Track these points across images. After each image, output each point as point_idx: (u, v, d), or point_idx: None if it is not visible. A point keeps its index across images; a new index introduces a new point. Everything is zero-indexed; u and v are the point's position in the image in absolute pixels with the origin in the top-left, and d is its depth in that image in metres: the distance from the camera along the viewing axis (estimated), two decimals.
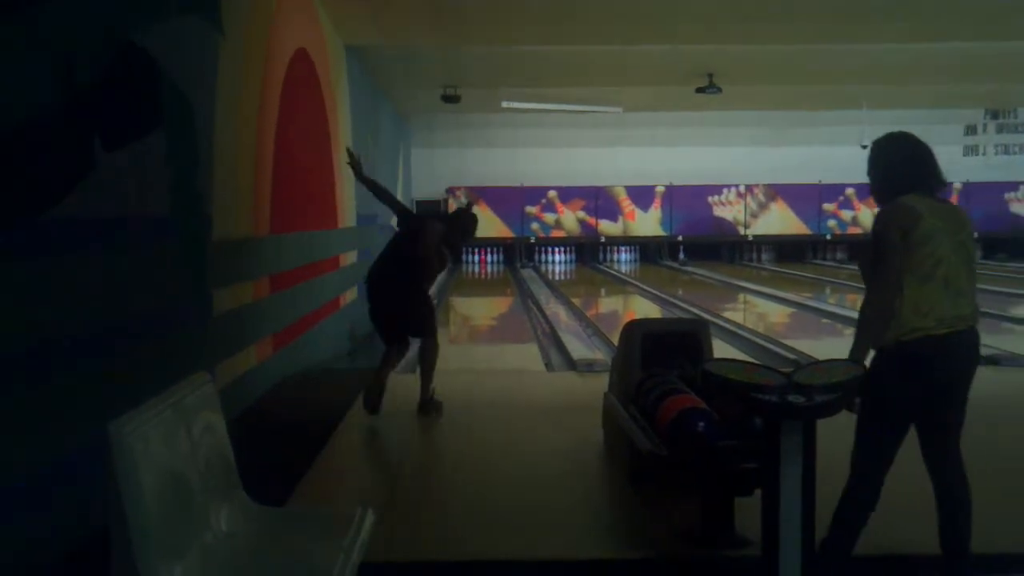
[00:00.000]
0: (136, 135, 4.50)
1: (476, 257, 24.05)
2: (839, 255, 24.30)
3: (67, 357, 3.72)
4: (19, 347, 3.38)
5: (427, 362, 6.30)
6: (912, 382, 3.31)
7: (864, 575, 3.61)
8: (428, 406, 6.29)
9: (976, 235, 3.85)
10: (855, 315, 3.85)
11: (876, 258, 3.36)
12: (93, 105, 3.99)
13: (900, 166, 3.50)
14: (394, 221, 6.63)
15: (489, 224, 23.52)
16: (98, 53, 4.09)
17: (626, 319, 6.29)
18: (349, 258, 11.29)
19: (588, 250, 24.09)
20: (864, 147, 4.50)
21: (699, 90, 14.38)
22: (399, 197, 7.57)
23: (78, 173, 3.85)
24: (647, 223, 24.16)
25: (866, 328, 3.36)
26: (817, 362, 3.45)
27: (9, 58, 3.36)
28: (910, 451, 3.44)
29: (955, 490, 3.45)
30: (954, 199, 24.17)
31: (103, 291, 4.07)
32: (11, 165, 3.37)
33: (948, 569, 3.44)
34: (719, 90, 14.28)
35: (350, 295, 11.21)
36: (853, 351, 3.35)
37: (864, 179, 3.65)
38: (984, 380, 7.44)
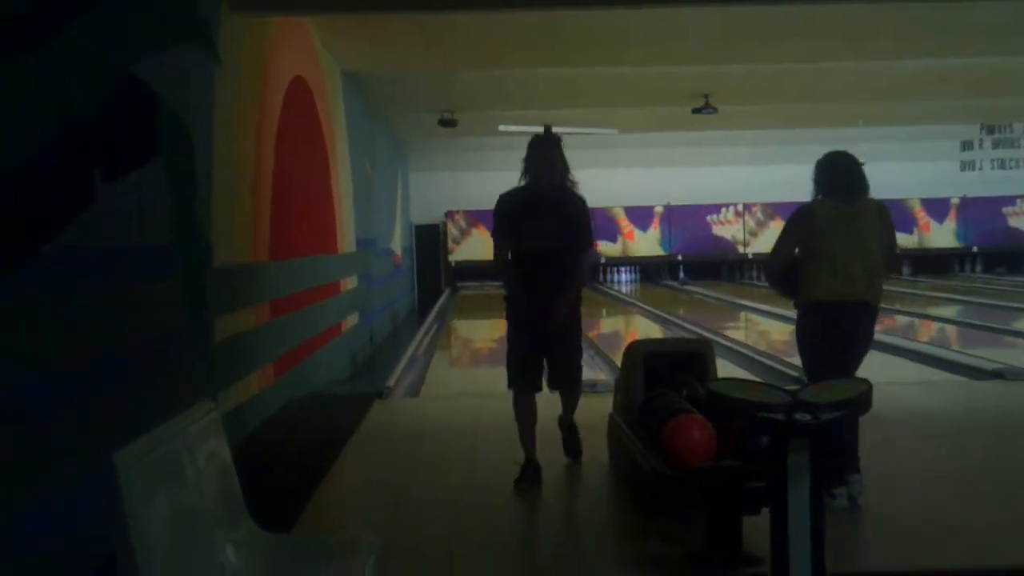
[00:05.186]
0: (135, 165, 4.50)
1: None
2: None
3: (69, 388, 3.72)
4: (20, 379, 3.37)
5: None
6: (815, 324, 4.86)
7: None
8: None
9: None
10: None
11: (779, 238, 4.86)
12: (92, 136, 3.99)
13: (821, 176, 4.78)
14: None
15: (489, 247, 23.52)
16: (96, 84, 4.10)
17: (628, 339, 6.28)
18: (350, 283, 11.28)
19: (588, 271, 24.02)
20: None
21: (695, 110, 14.42)
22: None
23: (78, 204, 3.86)
24: (646, 243, 24.18)
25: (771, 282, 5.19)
26: (822, 380, 3.44)
27: (7, 91, 3.37)
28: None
29: None
30: (952, 214, 24.25)
31: (105, 321, 4.06)
32: (9, 198, 3.37)
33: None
34: (715, 110, 14.32)
35: (351, 320, 11.20)
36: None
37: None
38: (988, 394, 7.53)
